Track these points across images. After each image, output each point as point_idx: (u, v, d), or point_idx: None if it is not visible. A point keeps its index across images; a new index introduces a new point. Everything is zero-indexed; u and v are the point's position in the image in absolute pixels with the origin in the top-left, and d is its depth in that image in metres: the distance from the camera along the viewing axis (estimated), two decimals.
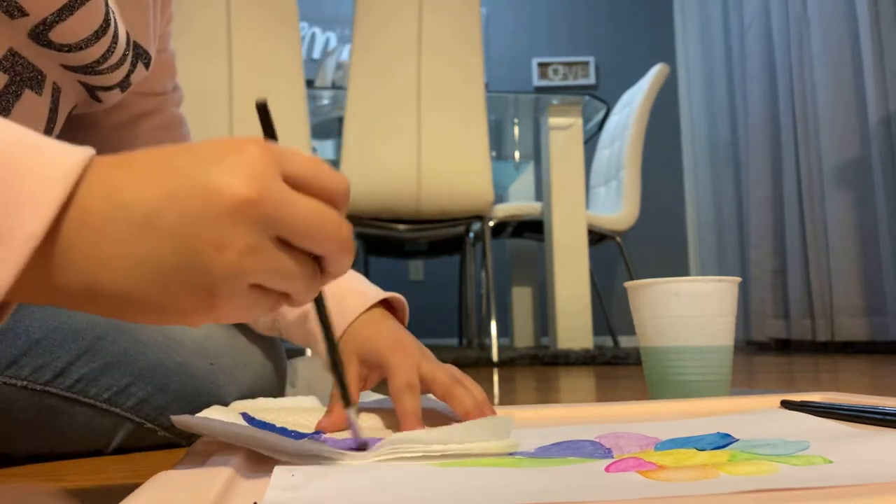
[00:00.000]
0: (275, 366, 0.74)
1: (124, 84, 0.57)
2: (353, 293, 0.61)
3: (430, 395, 0.55)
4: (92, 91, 0.56)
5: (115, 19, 0.52)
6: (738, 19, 3.43)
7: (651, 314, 0.77)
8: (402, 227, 2.23)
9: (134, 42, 0.56)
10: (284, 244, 0.31)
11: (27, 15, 0.45)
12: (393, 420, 0.52)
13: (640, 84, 2.91)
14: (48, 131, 0.53)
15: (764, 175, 3.14)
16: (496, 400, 1.10)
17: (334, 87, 2.77)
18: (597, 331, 2.81)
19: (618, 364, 2.01)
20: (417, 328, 2.91)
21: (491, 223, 2.56)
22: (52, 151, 0.29)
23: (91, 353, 0.60)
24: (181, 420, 0.45)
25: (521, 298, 3.10)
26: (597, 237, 2.75)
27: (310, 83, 2.54)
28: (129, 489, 0.31)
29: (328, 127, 2.57)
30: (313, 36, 4.03)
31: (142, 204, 0.29)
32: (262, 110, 0.35)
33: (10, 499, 0.45)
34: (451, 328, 3.73)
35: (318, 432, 0.50)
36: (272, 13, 2.02)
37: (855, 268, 2.62)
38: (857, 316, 2.61)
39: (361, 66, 2.08)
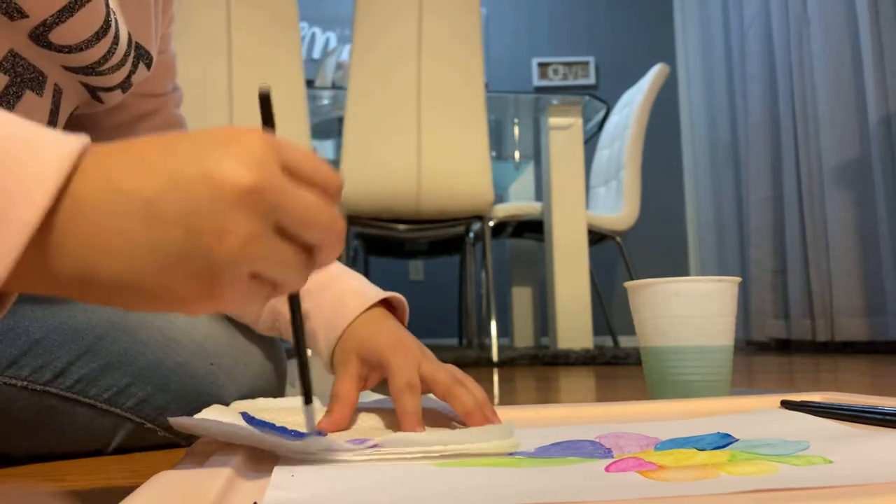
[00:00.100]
0: (275, 366, 0.74)
1: (126, 85, 0.57)
2: (353, 293, 0.61)
3: (431, 395, 0.55)
4: (93, 92, 0.56)
5: (115, 20, 0.52)
6: (738, 19, 3.43)
7: (651, 314, 0.77)
8: (402, 227, 2.23)
9: (136, 43, 0.56)
10: (281, 233, 0.31)
11: (27, 17, 0.45)
12: (393, 420, 0.52)
13: (640, 84, 2.91)
14: None
15: (764, 175, 3.14)
16: (496, 400, 1.10)
17: (334, 87, 2.77)
18: (597, 331, 2.81)
19: (618, 364, 2.01)
20: (417, 328, 2.92)
21: (491, 223, 2.56)
22: (46, 140, 0.29)
23: (91, 353, 0.60)
24: (179, 422, 0.44)
25: (521, 298, 3.10)
26: (597, 237, 2.75)
27: (310, 83, 2.54)
28: (129, 489, 0.31)
29: (328, 127, 2.57)
30: (313, 36, 4.03)
31: (141, 191, 0.29)
32: (265, 99, 0.35)
33: (10, 499, 0.45)
34: (451, 328, 3.73)
35: (318, 432, 0.50)
36: (272, 13, 2.02)
37: (855, 268, 2.62)
38: (857, 316, 2.60)
39: (361, 66, 2.08)
